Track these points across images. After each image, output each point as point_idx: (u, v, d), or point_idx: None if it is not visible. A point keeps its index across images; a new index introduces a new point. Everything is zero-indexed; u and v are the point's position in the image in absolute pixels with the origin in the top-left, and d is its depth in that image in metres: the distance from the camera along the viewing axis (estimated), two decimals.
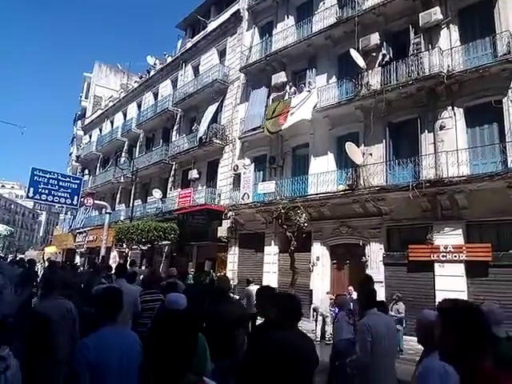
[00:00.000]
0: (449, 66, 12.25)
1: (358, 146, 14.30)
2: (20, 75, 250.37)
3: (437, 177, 11.85)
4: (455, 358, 1.94)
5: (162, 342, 1.86)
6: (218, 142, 20.07)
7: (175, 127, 24.93)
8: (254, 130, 18.18)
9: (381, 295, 12.86)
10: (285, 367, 2.61)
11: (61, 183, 19.26)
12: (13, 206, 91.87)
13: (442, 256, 11.76)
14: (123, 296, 3.09)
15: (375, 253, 13.49)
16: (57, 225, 54.50)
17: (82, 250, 31.85)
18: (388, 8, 14.10)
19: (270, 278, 16.60)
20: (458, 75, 11.96)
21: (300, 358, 2.71)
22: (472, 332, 1.94)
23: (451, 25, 12.83)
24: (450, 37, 12.78)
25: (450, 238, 11.84)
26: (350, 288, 11.85)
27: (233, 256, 18.48)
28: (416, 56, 12.96)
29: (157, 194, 23.55)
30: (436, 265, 11.90)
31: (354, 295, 11.85)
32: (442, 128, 12.47)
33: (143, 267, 21.13)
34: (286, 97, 17.29)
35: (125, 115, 32.51)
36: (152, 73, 30.11)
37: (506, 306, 10.60)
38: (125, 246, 23.49)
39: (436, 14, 12.69)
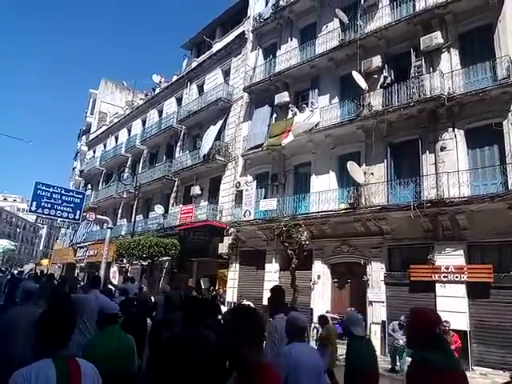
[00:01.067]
0: (449, 89, 12.49)
1: (360, 166, 14.45)
2: (26, 90, 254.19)
3: (438, 197, 11.93)
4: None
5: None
6: (220, 158, 20.27)
7: (179, 144, 25.21)
8: (256, 147, 18.38)
9: (382, 315, 12.81)
10: None
11: (64, 197, 19.36)
12: (14, 220, 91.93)
13: (444, 276, 11.74)
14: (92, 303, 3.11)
15: (376, 272, 13.46)
16: (57, 239, 54.40)
17: (83, 264, 31.76)
18: (390, 32, 14.46)
19: None
20: (459, 98, 12.18)
21: None
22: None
23: (452, 49, 13.13)
24: (450, 60, 13.07)
25: (451, 258, 11.83)
26: (352, 309, 11.84)
27: (233, 273, 18.42)
28: (417, 78, 13.23)
29: (159, 209, 23.65)
30: (437, 285, 11.86)
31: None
32: (442, 149, 12.62)
33: (142, 284, 21.01)
34: (289, 116, 17.55)
35: (129, 131, 32.91)
36: (157, 90, 30.63)
37: (507, 327, 10.60)
38: (125, 261, 23.43)
39: (437, 38, 13.01)
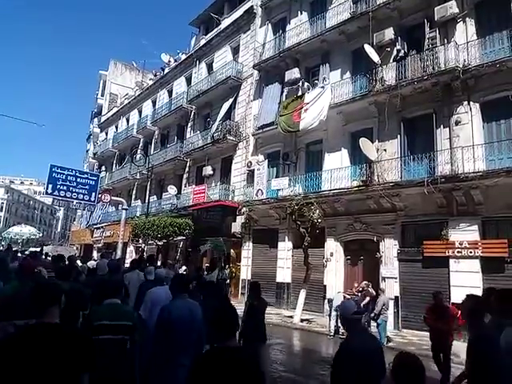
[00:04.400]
0: (465, 61, 12.12)
1: (373, 142, 14.27)
2: (38, 74, 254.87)
3: (452, 172, 11.77)
4: None
5: None
6: (231, 138, 20.22)
7: (189, 124, 25.18)
8: (267, 126, 18.26)
9: (395, 291, 12.91)
10: None
11: (79, 180, 19.66)
12: (31, 202, 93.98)
13: (458, 252, 11.70)
14: None
15: (389, 249, 13.48)
16: (74, 220, 55.59)
17: (100, 245, 32.47)
18: (403, 2, 13.99)
19: (284, 273, 16.75)
20: (475, 70, 11.82)
21: None
22: None
23: (467, 18, 12.66)
24: (466, 31, 12.63)
25: (465, 233, 11.76)
26: (366, 283, 11.91)
27: (247, 251, 18.66)
28: (431, 51, 12.84)
29: (172, 190, 23.87)
30: (451, 261, 11.85)
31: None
32: (457, 123, 12.36)
33: (159, 262, 21.45)
34: (300, 93, 17.31)
35: (140, 112, 32.92)
36: (166, 70, 30.39)
37: None
38: (141, 241, 23.88)
39: (452, 7, 12.54)
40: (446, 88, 12.58)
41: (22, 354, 2.07)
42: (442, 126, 12.77)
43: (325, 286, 14.90)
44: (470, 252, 11.51)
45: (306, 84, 17.14)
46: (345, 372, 2.81)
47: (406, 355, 2.39)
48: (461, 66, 12.00)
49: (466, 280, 11.21)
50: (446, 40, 12.89)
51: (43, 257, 12.97)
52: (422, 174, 12.34)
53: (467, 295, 3.28)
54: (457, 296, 11.35)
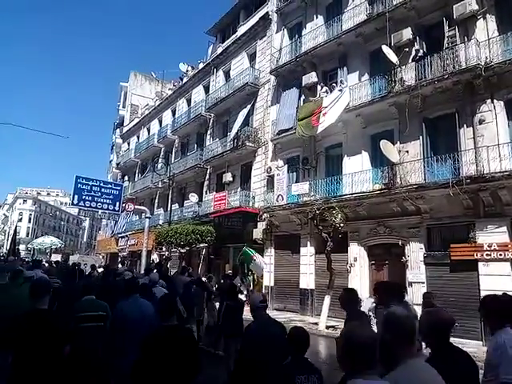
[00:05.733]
0: (486, 58, 11.80)
1: (394, 144, 14.04)
2: (62, 88, 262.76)
3: (478, 173, 11.43)
4: None
5: None
6: (250, 144, 20.29)
7: (208, 132, 25.42)
8: (286, 131, 18.24)
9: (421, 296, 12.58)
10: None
11: (103, 190, 20.15)
12: (58, 213, 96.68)
13: (487, 255, 11.33)
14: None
15: (415, 252, 13.19)
16: (99, 230, 56.85)
17: (125, 253, 33.03)
18: (420, 1, 13.77)
19: (307, 279, 16.61)
20: (497, 67, 11.49)
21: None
22: None
23: (488, 15, 12.35)
24: (486, 27, 12.31)
25: (493, 235, 11.39)
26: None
27: (269, 258, 18.60)
28: (451, 49, 12.58)
29: (193, 197, 24.12)
30: (480, 264, 11.48)
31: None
32: (481, 122, 12.03)
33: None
34: (318, 97, 17.24)
35: (160, 122, 33.49)
36: (185, 80, 30.84)
37: None
38: (164, 249, 24.19)
39: (471, 4, 12.25)
40: (467, 86, 12.28)
41: (26, 331, 3.08)
42: (465, 126, 12.45)
43: None
44: (500, 254, 11.13)
45: (324, 88, 17.06)
46: (247, 354, 3.49)
47: (296, 328, 3.31)
48: (482, 63, 11.70)
49: (496, 284, 10.80)
50: (466, 38, 12.59)
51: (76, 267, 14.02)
52: (446, 176, 12.04)
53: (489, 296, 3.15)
54: None
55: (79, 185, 19.96)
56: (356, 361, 1.81)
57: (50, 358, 3.07)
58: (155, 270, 9.68)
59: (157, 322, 3.65)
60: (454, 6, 12.55)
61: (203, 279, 11.46)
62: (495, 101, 11.83)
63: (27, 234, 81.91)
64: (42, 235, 64.88)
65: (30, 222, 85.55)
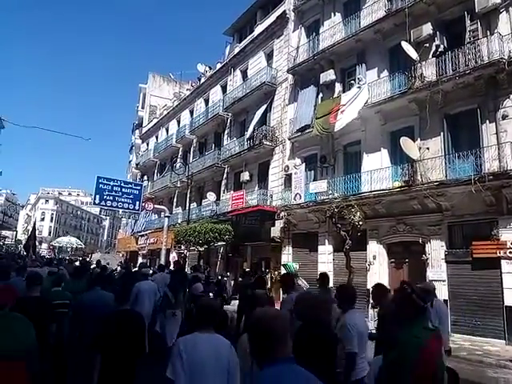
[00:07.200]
0: (510, 52, 11.55)
1: (414, 141, 13.87)
2: (84, 91, 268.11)
3: (501, 169, 11.22)
4: None
5: None
6: (267, 143, 20.33)
7: (226, 131, 25.58)
8: (303, 129, 18.21)
9: (443, 294, 12.42)
10: None
11: (123, 190, 20.55)
12: (79, 213, 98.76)
13: (510, 252, 11.10)
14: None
15: (436, 250, 13.00)
16: (119, 229, 57.80)
17: (144, 251, 33.54)
18: None
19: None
20: None
21: None
22: None
23: (511, 8, 12.08)
24: (509, 21, 12.05)
25: None
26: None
27: (287, 256, 18.61)
28: (473, 44, 12.35)
29: (211, 196, 24.32)
30: (503, 262, 11.25)
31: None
32: (504, 117, 11.78)
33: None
34: (336, 94, 17.16)
35: (178, 122, 33.86)
36: (202, 80, 31.11)
37: None
38: (183, 247, 24.47)
39: None
40: (490, 81, 12.04)
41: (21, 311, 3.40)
42: (487, 121, 12.21)
43: (368, 290, 14.55)
44: None
45: (341, 86, 16.96)
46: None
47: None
48: (506, 57, 11.46)
49: None
50: (488, 32, 12.34)
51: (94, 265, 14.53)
52: (468, 172, 11.84)
53: None
54: (511, 299, 10.82)
55: (100, 185, 20.41)
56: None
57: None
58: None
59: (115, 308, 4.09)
60: (476, 0, 12.32)
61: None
62: None
63: (49, 233, 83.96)
64: (64, 234, 66.54)
65: (51, 221, 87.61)
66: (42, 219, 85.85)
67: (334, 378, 3.13)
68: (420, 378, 2.40)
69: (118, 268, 19.01)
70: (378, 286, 4.85)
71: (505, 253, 11.18)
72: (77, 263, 15.97)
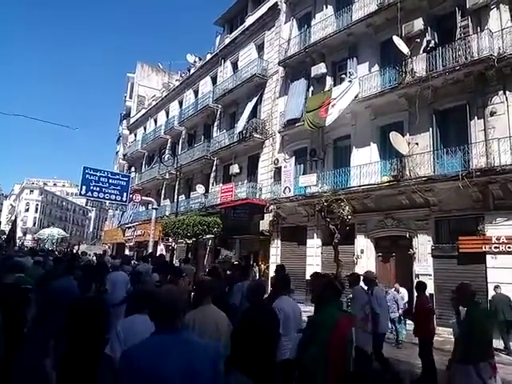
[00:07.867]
0: (499, 49, 11.66)
1: (403, 136, 13.95)
2: (71, 80, 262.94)
3: (488, 165, 11.36)
4: None
5: None
6: (257, 136, 20.24)
7: (216, 123, 25.38)
8: (294, 123, 18.16)
9: (429, 288, 12.56)
10: None
11: (111, 181, 20.29)
12: (64, 204, 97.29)
13: (495, 247, 11.30)
14: None
15: (423, 245, 13.17)
16: (105, 220, 57.18)
17: (131, 244, 33.25)
18: None
19: (313, 270, 16.53)
20: (510, 58, 11.35)
21: None
22: None
23: (501, 5, 12.15)
24: (500, 18, 12.13)
25: (502, 228, 11.35)
26: (397, 285, 11.74)
27: (275, 249, 18.65)
28: (463, 40, 12.43)
29: (200, 189, 24.16)
30: (488, 257, 11.46)
31: (403, 291, 11.68)
32: (492, 114, 11.91)
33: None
34: (327, 88, 17.12)
35: (167, 113, 33.46)
36: (192, 71, 30.74)
37: None
38: (171, 240, 24.31)
39: None
40: (479, 78, 12.14)
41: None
42: (476, 118, 12.33)
43: None
44: (508, 247, 11.10)
45: (332, 79, 16.92)
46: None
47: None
48: (495, 54, 11.56)
49: (503, 276, 10.83)
50: (478, 28, 12.43)
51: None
52: (455, 168, 11.97)
53: None
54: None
55: (87, 175, 20.11)
56: None
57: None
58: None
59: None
60: None
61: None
62: (508, 92, 11.71)
63: (34, 223, 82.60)
64: (49, 225, 65.49)
65: (36, 212, 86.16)
66: (27, 210, 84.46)
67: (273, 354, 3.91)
68: (332, 346, 3.06)
69: (94, 258, 18.72)
70: (314, 274, 6.19)
71: (490, 248, 11.37)
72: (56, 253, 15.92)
